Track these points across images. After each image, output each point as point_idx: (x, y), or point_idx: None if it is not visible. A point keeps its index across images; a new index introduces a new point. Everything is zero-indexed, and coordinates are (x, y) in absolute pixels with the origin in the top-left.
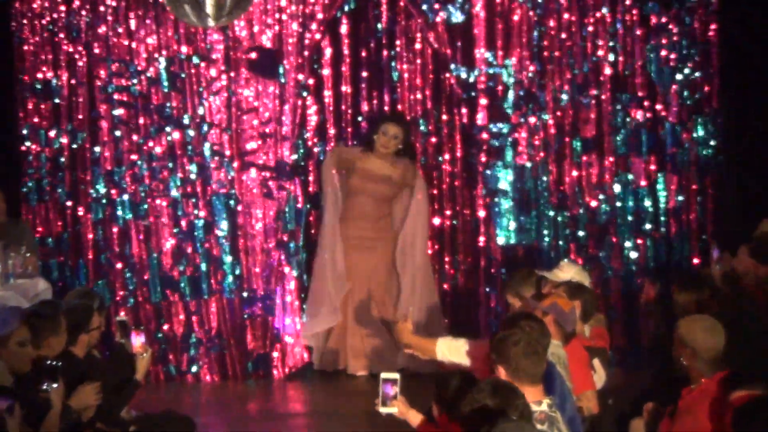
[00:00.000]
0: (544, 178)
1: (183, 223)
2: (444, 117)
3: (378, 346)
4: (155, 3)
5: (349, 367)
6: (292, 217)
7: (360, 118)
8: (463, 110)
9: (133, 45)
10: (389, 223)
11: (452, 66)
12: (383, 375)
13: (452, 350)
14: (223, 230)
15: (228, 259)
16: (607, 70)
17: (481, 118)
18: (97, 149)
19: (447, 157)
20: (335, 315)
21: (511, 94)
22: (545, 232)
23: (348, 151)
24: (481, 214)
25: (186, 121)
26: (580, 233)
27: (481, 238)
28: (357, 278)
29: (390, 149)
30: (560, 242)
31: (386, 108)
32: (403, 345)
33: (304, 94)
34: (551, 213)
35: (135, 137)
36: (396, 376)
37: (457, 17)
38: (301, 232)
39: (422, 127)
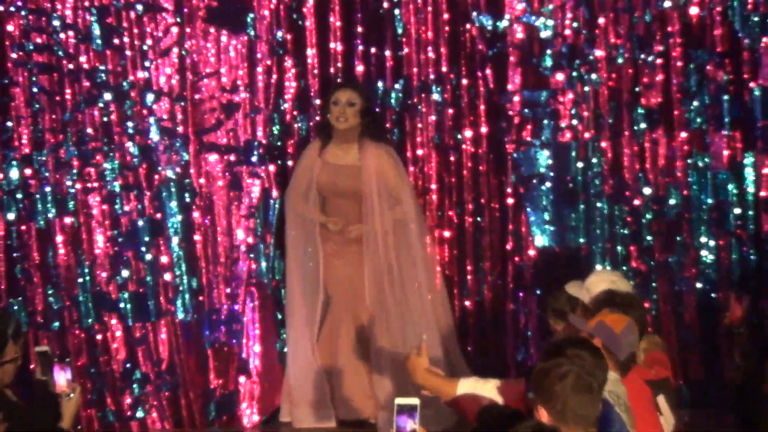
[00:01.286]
0: (594, 161)
1: (123, 222)
2: (464, 82)
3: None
4: None
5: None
6: (266, 213)
7: None
8: (489, 72)
9: None
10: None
11: (474, 14)
12: (398, 401)
13: (479, 388)
14: (175, 232)
15: (182, 269)
16: (678, 19)
17: (511, 82)
18: (9, 125)
19: (468, 134)
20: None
21: (550, 52)
22: (596, 231)
23: (309, 158)
24: (512, 208)
25: (125, 88)
26: (643, 232)
27: (512, 240)
28: (337, 294)
29: (347, 121)
30: (616, 245)
31: (389, 70)
32: (417, 385)
33: (281, 52)
34: (604, 206)
35: (58, 111)
36: (415, 401)
37: None
38: (273, 233)
39: (435, 96)
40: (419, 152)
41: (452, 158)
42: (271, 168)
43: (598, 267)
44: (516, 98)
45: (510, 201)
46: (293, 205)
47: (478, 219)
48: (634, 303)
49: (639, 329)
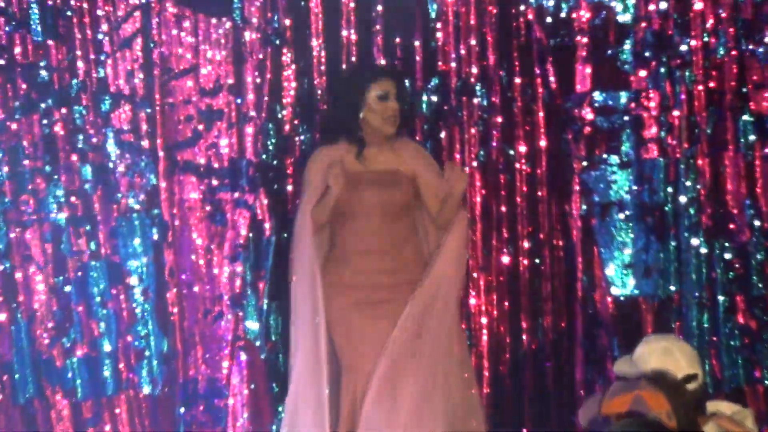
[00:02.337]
0: (688, 183)
1: (70, 266)
2: (516, 81)
3: None
4: None
5: None
6: (258, 254)
7: None
8: (549, 69)
9: None
10: (415, 254)
11: None
12: None
13: None
14: (140, 278)
15: (149, 327)
16: None
17: (580, 81)
18: None
19: (522, 149)
20: None
21: (630, 41)
22: (691, 275)
23: (332, 162)
24: (581, 246)
25: (73, 90)
26: (752, 277)
27: (581, 288)
28: (363, 363)
29: (392, 120)
30: (717, 293)
31: (419, 65)
32: None
33: (277, 42)
34: (701, 243)
35: None
36: None
37: None
38: (268, 280)
39: (478, 98)
40: None
41: (502, 181)
42: (265, 199)
43: (651, 337)
44: (586, 102)
45: (578, 237)
46: (307, 227)
47: (536, 261)
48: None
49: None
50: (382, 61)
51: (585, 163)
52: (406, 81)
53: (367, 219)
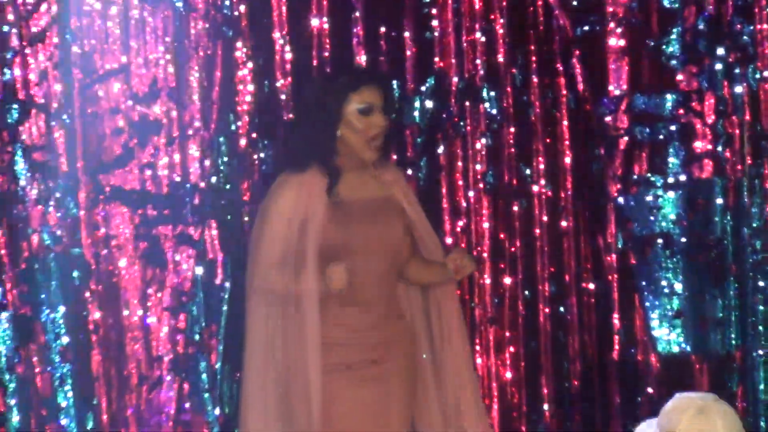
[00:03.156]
0: (754, 210)
1: None
2: (534, 80)
3: None
4: None
5: None
6: (208, 306)
7: None
8: (575, 66)
9: None
10: (398, 298)
11: None
12: None
13: None
14: (56, 335)
15: (68, 397)
16: None
17: (614, 81)
18: None
19: (541, 167)
20: None
21: (677, 31)
22: (758, 328)
23: (299, 197)
24: (618, 290)
25: None
26: None
27: (618, 343)
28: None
29: (377, 141)
30: None
31: (410, 62)
32: None
33: (230, 34)
34: None
35: None
36: None
37: None
38: (222, 338)
39: (486, 104)
40: (461, 200)
41: (515, 208)
42: (215, 231)
43: (682, 396)
44: (622, 107)
45: (614, 279)
46: (267, 285)
47: (560, 309)
48: None
49: None
50: (363, 59)
51: (621, 185)
52: (395, 87)
53: (366, 261)
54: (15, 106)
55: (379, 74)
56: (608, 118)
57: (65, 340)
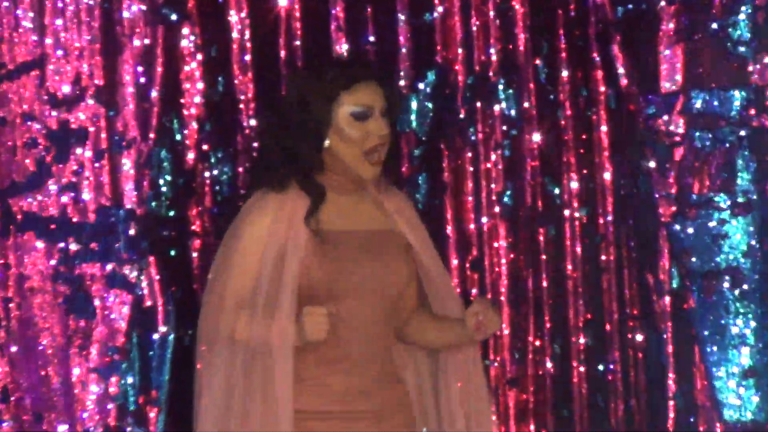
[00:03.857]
0: None
1: None
2: (563, 74)
3: None
4: None
5: None
6: (146, 361)
7: None
8: (616, 56)
9: None
10: (392, 360)
11: None
12: None
13: None
14: None
15: None
16: None
17: (665, 74)
18: None
19: (573, 185)
20: None
21: (746, 10)
22: None
23: (272, 223)
24: (672, 339)
25: None
26: None
27: (673, 409)
28: None
29: (377, 154)
30: None
31: (401, 52)
32: None
33: (173, 18)
34: None
35: None
36: None
37: None
38: (164, 405)
39: (502, 104)
40: (471, 228)
41: (541, 238)
42: (156, 274)
43: None
44: (677, 108)
45: (667, 327)
46: (228, 332)
47: (599, 368)
48: None
49: None
50: (344, 48)
51: (677, 207)
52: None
53: (356, 308)
54: None
55: (380, 68)
56: (659, 122)
57: None
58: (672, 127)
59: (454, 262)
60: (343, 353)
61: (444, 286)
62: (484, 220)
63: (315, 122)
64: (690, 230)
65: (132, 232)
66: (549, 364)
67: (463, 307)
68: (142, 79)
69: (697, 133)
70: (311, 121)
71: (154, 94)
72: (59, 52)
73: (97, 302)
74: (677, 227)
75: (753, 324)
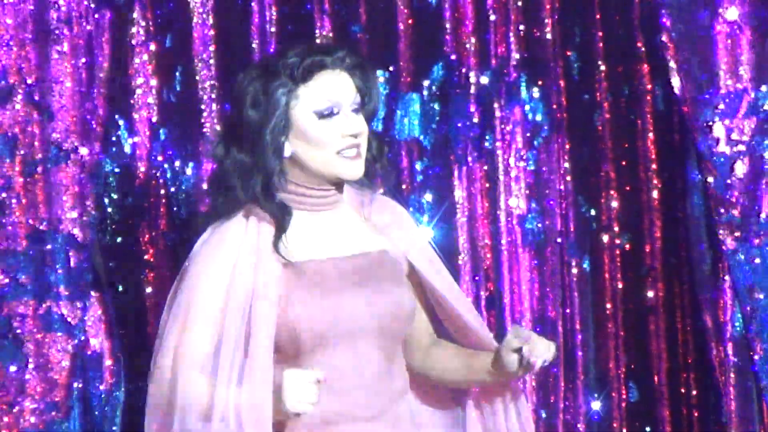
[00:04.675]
0: None
1: None
2: (600, 67)
3: None
4: None
5: None
6: (87, 424)
7: None
8: (666, 44)
9: None
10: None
11: None
12: None
13: None
14: None
15: None
16: None
17: (726, 68)
18: None
19: (613, 204)
20: None
21: None
22: None
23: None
24: (735, 395)
25: None
26: None
27: None
28: None
29: (353, 154)
30: None
31: (401, 40)
32: None
33: (120, 1)
34: None
35: None
36: None
37: None
38: None
39: (525, 105)
40: (487, 257)
41: (574, 270)
42: (100, 309)
43: None
44: (741, 109)
45: (728, 380)
46: (186, 397)
47: (646, 430)
48: None
49: None
50: (327, 36)
51: (741, 233)
52: (375, 73)
53: (353, 353)
54: None
55: (347, 53)
56: (719, 126)
57: None
58: (735, 134)
59: (467, 296)
60: (339, 411)
61: (463, 312)
62: (503, 247)
63: (270, 127)
64: (757, 260)
65: (72, 263)
66: (581, 427)
67: (489, 334)
68: (83, 74)
69: (767, 141)
70: (265, 125)
71: (96, 93)
72: None
73: (29, 347)
74: (741, 257)
75: None
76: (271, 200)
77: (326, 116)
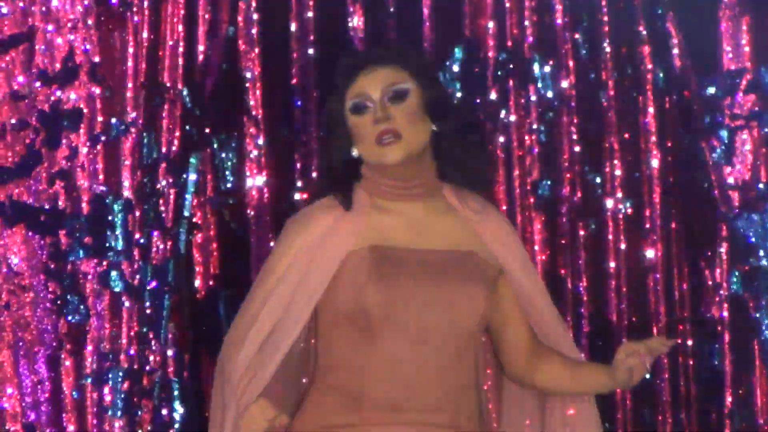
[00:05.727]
0: None
1: None
2: (605, 49)
3: None
4: None
5: None
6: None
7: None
8: (668, 28)
9: None
10: (476, 413)
11: None
12: None
13: None
14: None
15: None
16: None
17: (727, 49)
18: None
19: (617, 173)
20: None
21: None
22: None
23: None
24: (729, 344)
25: None
26: None
27: (728, 427)
28: None
29: (401, 142)
30: None
31: (426, 24)
32: None
33: None
34: None
35: None
36: None
37: None
38: None
39: (539, 85)
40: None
41: (581, 232)
42: (153, 283)
43: None
44: (741, 86)
45: (724, 332)
46: (229, 364)
47: (646, 377)
48: None
49: None
50: (357, 22)
51: (740, 199)
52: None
53: (410, 348)
54: None
55: (382, 48)
56: (721, 104)
57: None
58: (736, 109)
59: None
60: (410, 398)
61: (551, 321)
62: (518, 210)
63: (334, 135)
64: (754, 224)
65: (129, 222)
66: None
67: (574, 346)
68: (143, 49)
69: (766, 116)
70: (330, 135)
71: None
72: (50, 26)
73: (91, 302)
74: (740, 223)
75: None
76: (343, 186)
77: (359, 111)
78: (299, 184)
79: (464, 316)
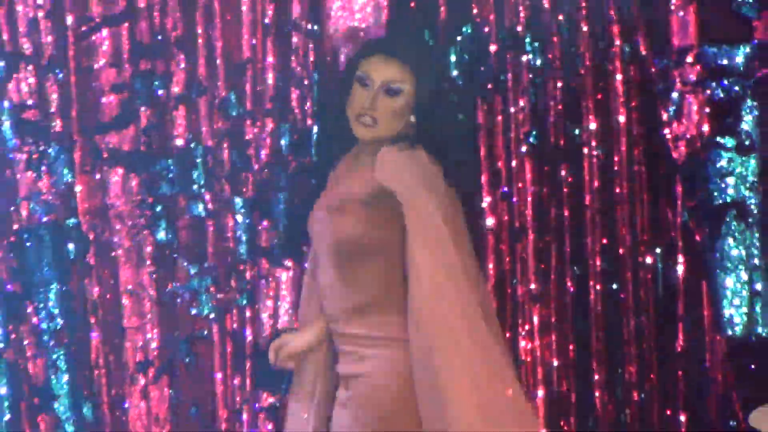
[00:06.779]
0: None
1: None
2: (582, 28)
3: None
4: None
5: None
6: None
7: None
8: (633, 12)
9: None
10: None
11: None
12: None
13: None
14: (49, 316)
15: (64, 387)
16: None
17: (677, 29)
18: None
19: (592, 126)
20: None
21: None
22: None
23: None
24: (681, 265)
25: None
26: None
27: (681, 328)
28: None
29: (377, 127)
30: None
31: (442, 8)
32: None
33: None
34: None
35: None
36: None
37: None
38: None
39: (530, 56)
40: (499, 161)
41: (563, 173)
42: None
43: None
44: (688, 59)
45: (677, 254)
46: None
47: (613, 287)
48: None
49: None
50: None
51: (686, 148)
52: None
53: (321, 265)
54: (1, 60)
55: (408, 43)
56: (673, 73)
57: (59, 322)
58: (685, 77)
59: (486, 194)
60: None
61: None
62: (513, 156)
63: (343, 87)
64: (699, 169)
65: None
66: (569, 284)
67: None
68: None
69: (708, 84)
70: (343, 84)
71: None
72: (141, 6)
73: (180, 223)
74: (687, 166)
75: (756, 251)
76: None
77: (361, 82)
78: None
79: (342, 242)
